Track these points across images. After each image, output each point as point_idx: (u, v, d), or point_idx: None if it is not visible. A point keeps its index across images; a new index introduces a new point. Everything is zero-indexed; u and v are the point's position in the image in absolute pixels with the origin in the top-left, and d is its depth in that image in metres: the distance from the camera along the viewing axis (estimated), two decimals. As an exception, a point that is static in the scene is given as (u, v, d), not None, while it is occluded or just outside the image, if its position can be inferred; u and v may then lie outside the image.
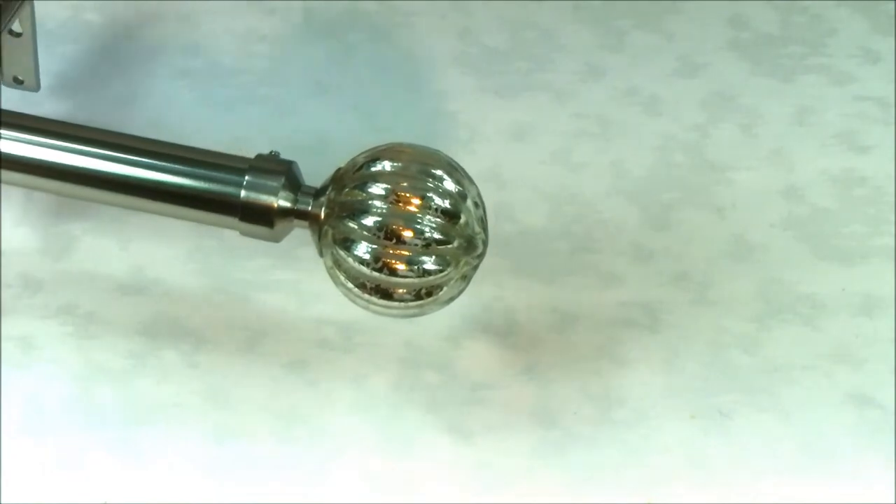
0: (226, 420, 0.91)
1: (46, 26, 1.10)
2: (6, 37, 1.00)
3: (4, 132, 0.90)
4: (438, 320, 0.97)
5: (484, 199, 0.87)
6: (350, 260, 0.85)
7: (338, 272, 0.86)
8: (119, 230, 1.01)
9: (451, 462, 0.90)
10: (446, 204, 0.84)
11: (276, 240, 0.89)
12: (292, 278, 0.99)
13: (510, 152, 1.07)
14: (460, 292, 0.87)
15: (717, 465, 0.90)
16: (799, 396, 0.94)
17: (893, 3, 1.17)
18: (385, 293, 0.85)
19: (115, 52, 1.11)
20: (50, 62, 1.08)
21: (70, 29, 1.12)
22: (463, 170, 0.87)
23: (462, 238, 0.84)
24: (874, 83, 1.12)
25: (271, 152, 0.90)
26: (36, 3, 1.00)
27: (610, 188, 1.05)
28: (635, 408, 0.93)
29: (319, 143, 1.06)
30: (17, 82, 1.05)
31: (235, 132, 1.06)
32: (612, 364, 0.95)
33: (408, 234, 0.84)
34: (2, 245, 1.00)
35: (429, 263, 0.84)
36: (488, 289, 0.97)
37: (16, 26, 1.01)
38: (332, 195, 0.86)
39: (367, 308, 0.87)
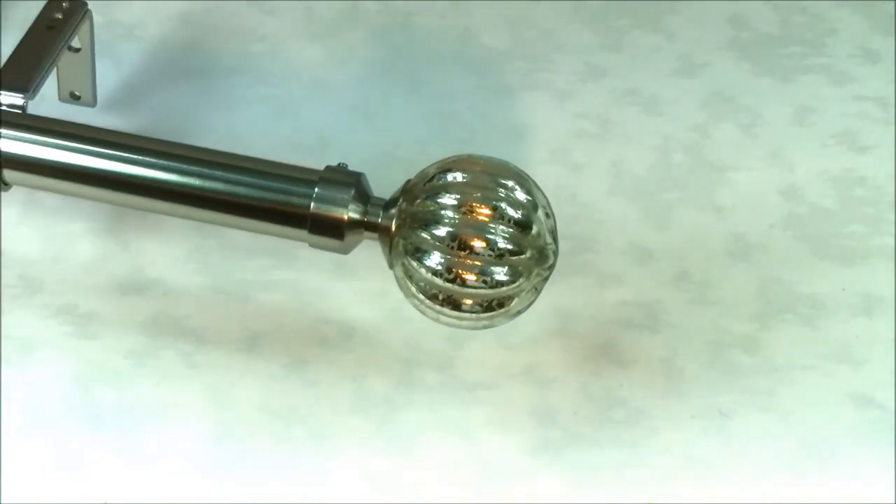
0: (226, 420, 0.91)
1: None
2: (64, 52, 1.00)
3: (77, 145, 0.90)
4: (438, 320, 0.97)
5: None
6: (422, 271, 0.85)
7: (409, 283, 0.86)
8: (119, 230, 1.01)
9: (451, 462, 0.90)
10: (518, 214, 0.84)
11: (345, 252, 0.89)
12: (292, 278, 0.99)
13: (510, 152, 1.06)
14: (530, 304, 0.87)
15: (717, 465, 0.90)
16: (799, 396, 0.94)
17: (893, 3, 1.17)
18: (456, 304, 0.85)
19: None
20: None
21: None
22: (533, 180, 0.87)
23: (534, 249, 0.84)
24: (874, 83, 1.12)
25: (339, 164, 0.89)
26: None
27: (610, 188, 1.05)
28: (635, 408, 0.93)
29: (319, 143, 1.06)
30: (74, 98, 1.05)
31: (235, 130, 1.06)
32: (612, 364, 0.95)
33: (480, 244, 0.84)
34: (2, 245, 1.00)
35: (501, 274, 0.84)
36: (488, 289, 0.97)
37: (75, 42, 1.00)
38: (404, 206, 0.86)
39: (437, 320, 0.87)
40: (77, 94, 1.05)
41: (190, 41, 1.12)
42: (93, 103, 1.05)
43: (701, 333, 0.97)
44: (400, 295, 0.97)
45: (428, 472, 0.90)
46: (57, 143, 0.91)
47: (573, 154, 1.07)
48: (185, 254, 1.00)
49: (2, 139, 0.91)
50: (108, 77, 1.09)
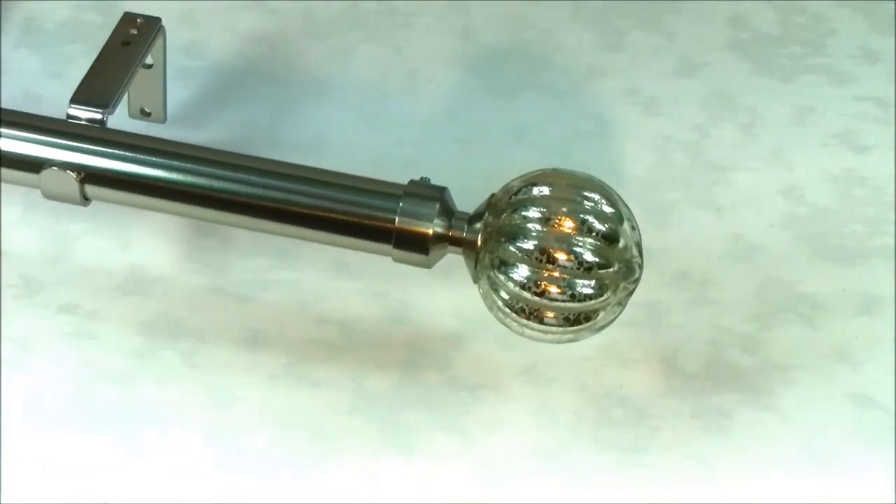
0: (226, 420, 0.91)
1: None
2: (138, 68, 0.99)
3: (160, 160, 0.89)
4: (439, 320, 0.97)
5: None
6: (509, 284, 0.84)
7: (494, 297, 0.86)
8: (119, 230, 1.01)
9: (451, 462, 0.90)
10: (605, 227, 0.84)
11: (429, 266, 0.89)
12: (292, 278, 0.99)
13: (510, 152, 1.07)
14: (614, 318, 0.87)
15: (717, 465, 0.90)
16: (799, 396, 0.94)
17: (893, 3, 1.17)
18: (542, 318, 0.85)
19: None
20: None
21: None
22: (617, 193, 0.87)
23: (621, 262, 0.84)
24: (874, 83, 1.12)
25: (422, 178, 0.89)
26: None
27: (610, 188, 1.05)
28: (635, 408, 0.93)
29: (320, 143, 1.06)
30: (144, 114, 1.05)
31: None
32: (612, 364, 0.95)
33: (567, 257, 0.83)
34: (2, 245, 1.00)
35: (587, 288, 0.84)
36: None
37: (147, 58, 1.00)
38: (490, 220, 0.86)
39: (521, 333, 0.87)
40: (147, 110, 1.05)
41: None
42: (163, 119, 1.05)
43: (701, 333, 0.97)
44: (400, 294, 0.98)
45: (428, 472, 0.90)
46: (139, 158, 0.90)
47: (573, 154, 1.07)
48: (185, 254, 1.00)
49: (83, 155, 0.90)
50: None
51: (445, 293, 0.98)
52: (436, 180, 0.90)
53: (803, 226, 1.03)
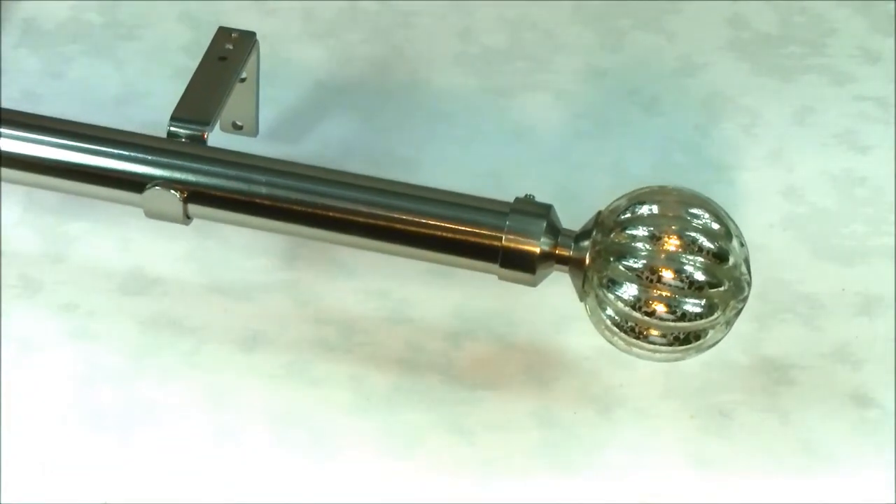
0: (226, 420, 0.91)
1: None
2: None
3: (265, 178, 0.89)
4: (438, 320, 0.97)
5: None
6: (619, 303, 0.84)
7: (602, 316, 0.85)
8: (119, 230, 1.01)
9: (451, 462, 0.90)
10: (714, 246, 0.84)
11: (534, 285, 0.88)
12: (292, 278, 0.99)
13: (510, 152, 1.07)
14: (722, 338, 0.86)
15: (717, 465, 0.90)
16: (799, 396, 0.94)
17: (893, 3, 1.17)
18: (651, 337, 0.84)
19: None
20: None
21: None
22: (724, 210, 0.86)
23: (730, 280, 0.84)
24: (874, 83, 1.12)
25: (527, 195, 0.88)
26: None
27: (610, 188, 1.04)
28: (635, 408, 0.93)
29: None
30: (236, 128, 1.04)
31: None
32: (612, 364, 0.95)
33: (677, 276, 0.83)
34: (2, 245, 1.00)
35: (697, 307, 0.83)
36: (489, 288, 0.97)
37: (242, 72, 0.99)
38: (598, 238, 0.85)
39: (628, 352, 0.86)
40: (239, 123, 1.04)
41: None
42: (255, 133, 1.04)
43: (701, 333, 0.97)
44: (400, 294, 0.98)
45: (428, 472, 0.90)
46: (244, 177, 0.89)
47: (573, 154, 1.07)
48: (185, 254, 1.00)
49: (188, 174, 0.89)
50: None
51: (445, 293, 0.98)
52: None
53: (803, 226, 1.03)
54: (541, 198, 0.89)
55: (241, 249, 1.00)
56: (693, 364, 0.95)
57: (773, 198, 1.05)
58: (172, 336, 0.95)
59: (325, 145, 1.06)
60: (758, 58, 1.14)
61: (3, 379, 0.93)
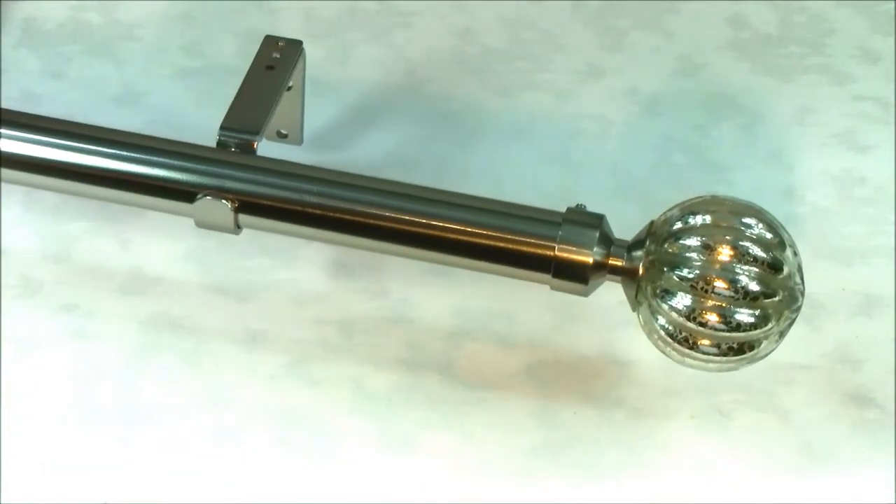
0: (226, 420, 0.91)
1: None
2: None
3: (318, 188, 0.88)
4: (439, 320, 0.97)
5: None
6: (673, 314, 0.83)
7: (655, 326, 0.85)
8: (119, 230, 1.01)
9: (452, 462, 0.90)
10: (768, 256, 0.83)
11: (586, 295, 0.88)
12: (292, 278, 0.99)
13: (510, 152, 1.07)
14: (775, 348, 0.86)
15: (717, 465, 0.90)
16: (799, 396, 0.94)
17: (893, 3, 1.17)
18: (704, 347, 0.84)
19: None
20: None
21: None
22: (777, 219, 0.86)
23: (784, 290, 0.83)
24: (874, 83, 1.12)
25: (578, 205, 0.88)
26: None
27: (610, 188, 1.05)
28: (635, 408, 0.93)
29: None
30: (281, 136, 1.04)
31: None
32: (612, 364, 0.95)
33: (730, 287, 0.82)
34: (2, 245, 1.00)
35: (751, 317, 0.83)
36: (489, 288, 0.97)
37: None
38: (651, 248, 0.85)
39: (681, 362, 0.86)
40: (284, 132, 1.03)
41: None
42: (300, 141, 1.04)
43: (701, 333, 0.97)
44: (400, 294, 0.98)
45: (428, 472, 0.90)
46: (295, 187, 0.89)
47: (573, 154, 1.07)
48: (184, 254, 1.00)
49: (239, 183, 0.89)
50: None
51: (445, 293, 0.98)
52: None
53: (803, 226, 1.03)
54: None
55: (241, 249, 1.00)
56: (693, 364, 0.95)
57: (773, 198, 1.04)
58: (172, 336, 0.95)
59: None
60: (758, 58, 1.14)
61: (3, 379, 0.93)
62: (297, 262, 0.99)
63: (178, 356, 0.94)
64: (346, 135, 1.06)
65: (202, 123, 1.07)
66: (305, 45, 0.99)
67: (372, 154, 1.06)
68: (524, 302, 0.97)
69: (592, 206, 0.88)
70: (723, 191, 1.04)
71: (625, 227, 1.01)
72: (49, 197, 1.00)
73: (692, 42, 1.15)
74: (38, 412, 0.91)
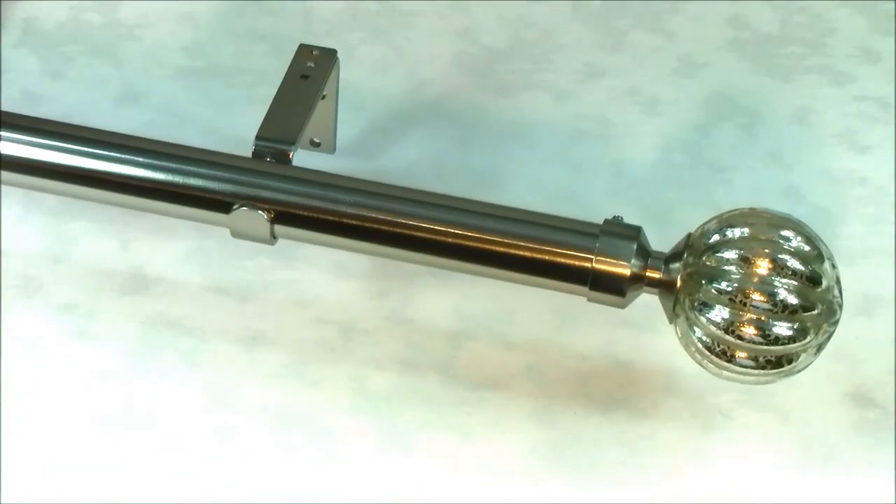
0: (226, 420, 0.91)
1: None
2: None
3: (354, 199, 0.88)
4: (439, 320, 0.97)
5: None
6: (711, 326, 0.83)
7: (692, 339, 0.85)
8: (119, 230, 1.01)
9: (451, 462, 0.90)
10: (807, 269, 0.83)
11: (623, 307, 0.87)
12: (292, 278, 0.99)
13: (510, 152, 1.07)
14: (813, 362, 0.86)
15: (717, 465, 0.90)
16: (799, 396, 0.94)
17: (893, 3, 1.17)
18: (741, 360, 0.84)
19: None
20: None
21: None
22: (814, 232, 0.85)
23: (823, 304, 0.83)
24: (874, 83, 1.12)
25: (615, 217, 0.88)
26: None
27: (610, 188, 1.05)
28: (635, 408, 0.93)
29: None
30: (314, 145, 1.03)
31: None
32: (612, 364, 0.95)
33: (769, 300, 0.82)
34: (2, 245, 1.00)
35: (789, 330, 0.83)
36: (488, 288, 0.97)
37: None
38: (689, 261, 0.85)
39: (719, 375, 0.86)
40: (317, 140, 1.03)
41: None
42: (332, 150, 1.04)
43: (701, 333, 0.97)
44: (400, 294, 0.98)
45: (428, 472, 0.90)
46: (332, 197, 0.88)
47: (573, 154, 1.07)
48: (185, 254, 1.00)
49: (276, 193, 0.89)
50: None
51: (445, 293, 0.98)
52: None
53: (803, 226, 1.03)
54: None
55: (241, 249, 1.00)
56: (693, 364, 0.95)
57: (773, 198, 1.04)
58: (172, 336, 0.95)
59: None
60: (758, 58, 1.14)
61: (3, 379, 0.93)
62: (297, 262, 0.99)
63: (178, 356, 0.94)
64: (346, 134, 1.06)
65: (202, 124, 1.07)
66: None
67: (372, 154, 1.06)
68: (524, 302, 0.97)
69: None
70: (722, 190, 1.05)
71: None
72: (49, 197, 1.00)
73: (692, 42, 1.15)
74: (39, 412, 0.91)
